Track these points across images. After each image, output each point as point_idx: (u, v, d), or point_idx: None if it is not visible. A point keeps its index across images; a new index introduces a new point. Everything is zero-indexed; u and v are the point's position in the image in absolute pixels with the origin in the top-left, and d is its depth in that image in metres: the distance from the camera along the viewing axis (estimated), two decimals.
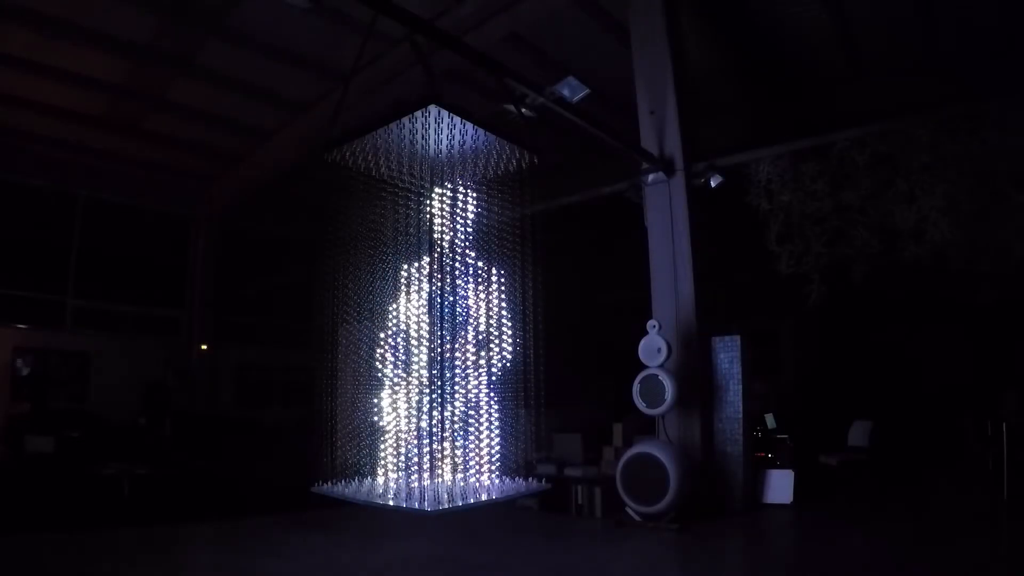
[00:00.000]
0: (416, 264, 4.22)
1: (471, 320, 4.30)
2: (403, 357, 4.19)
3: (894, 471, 9.27)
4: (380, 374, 4.24)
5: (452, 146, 4.10)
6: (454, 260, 4.22)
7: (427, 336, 4.03)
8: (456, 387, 4.12)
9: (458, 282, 4.23)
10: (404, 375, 4.18)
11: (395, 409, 4.20)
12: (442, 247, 4.12)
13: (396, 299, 4.27)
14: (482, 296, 4.40)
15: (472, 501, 3.90)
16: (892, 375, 12.37)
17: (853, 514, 7.03)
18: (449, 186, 4.29)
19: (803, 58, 9.86)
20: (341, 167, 4.17)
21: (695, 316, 7.05)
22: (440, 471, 3.98)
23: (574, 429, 7.89)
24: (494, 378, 4.31)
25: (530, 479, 4.32)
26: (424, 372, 4.04)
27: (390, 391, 4.22)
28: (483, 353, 4.30)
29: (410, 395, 4.13)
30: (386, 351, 4.25)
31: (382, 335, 4.26)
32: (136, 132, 11.64)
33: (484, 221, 4.40)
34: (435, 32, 4.84)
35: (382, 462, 4.22)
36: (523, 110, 5.44)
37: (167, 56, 9.47)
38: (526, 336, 4.42)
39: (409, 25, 4.42)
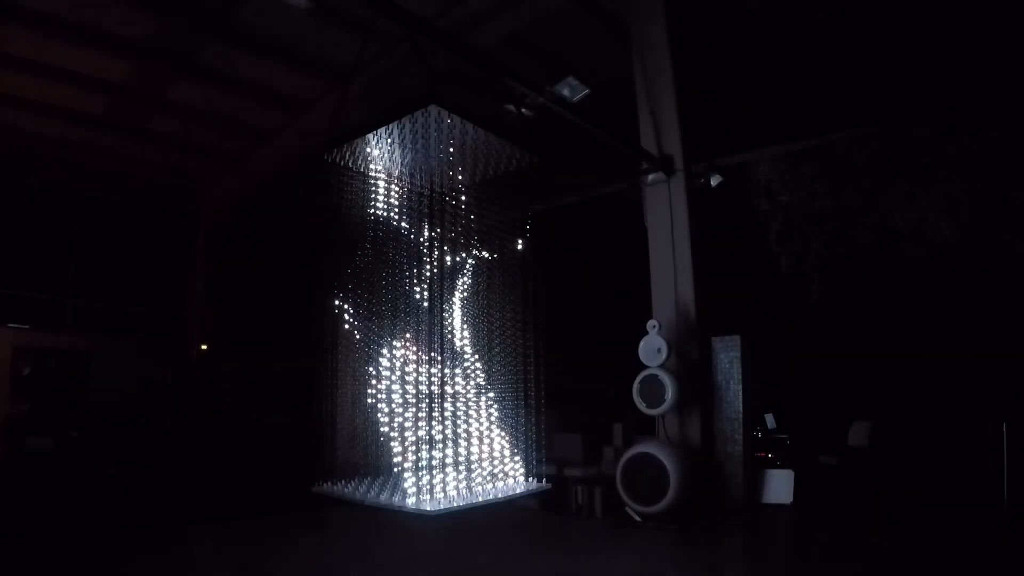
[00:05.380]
0: (416, 265, 4.22)
1: (471, 322, 4.30)
2: (403, 359, 4.19)
3: (894, 471, 9.25)
4: (380, 375, 4.24)
5: (451, 146, 4.10)
6: (454, 261, 4.22)
7: (427, 338, 4.03)
8: (456, 388, 4.12)
9: (458, 284, 4.23)
10: (405, 376, 4.18)
11: (395, 411, 4.19)
12: (442, 248, 4.12)
13: (397, 301, 4.27)
14: (482, 298, 4.39)
15: (472, 501, 3.90)
16: (892, 375, 12.34)
17: (853, 515, 7.03)
18: (449, 187, 4.29)
19: (803, 58, 9.86)
20: (341, 167, 4.17)
21: (695, 316, 7.05)
22: (441, 471, 3.98)
23: (574, 429, 7.89)
24: (494, 380, 4.30)
25: (530, 479, 4.32)
26: (423, 373, 4.04)
27: (389, 392, 4.22)
28: (483, 355, 4.30)
29: (411, 396, 4.12)
30: (386, 353, 4.25)
31: (383, 338, 4.26)
32: (136, 132, 11.64)
33: (485, 222, 4.39)
34: (435, 32, 4.83)
35: (383, 463, 4.21)
36: (523, 110, 5.44)
37: (168, 56, 9.47)
38: (526, 337, 4.41)
39: (409, 25, 4.42)
